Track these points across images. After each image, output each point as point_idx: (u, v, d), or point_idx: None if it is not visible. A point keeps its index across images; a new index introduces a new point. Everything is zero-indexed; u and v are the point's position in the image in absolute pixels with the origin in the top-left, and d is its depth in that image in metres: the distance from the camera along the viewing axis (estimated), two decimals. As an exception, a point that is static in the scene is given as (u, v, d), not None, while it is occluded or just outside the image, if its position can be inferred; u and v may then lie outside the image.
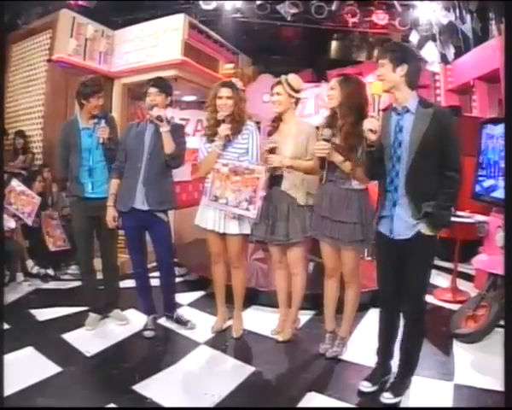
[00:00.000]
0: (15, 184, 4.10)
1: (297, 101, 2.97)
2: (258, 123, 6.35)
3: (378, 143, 2.16)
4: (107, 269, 3.34)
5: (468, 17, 5.45)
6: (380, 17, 6.27)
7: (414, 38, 6.06)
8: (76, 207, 3.23)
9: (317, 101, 6.21)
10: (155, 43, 5.53)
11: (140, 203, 2.99)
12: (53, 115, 5.10)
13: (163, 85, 3.10)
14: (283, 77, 2.94)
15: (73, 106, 5.36)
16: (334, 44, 7.99)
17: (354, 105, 2.56)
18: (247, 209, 2.80)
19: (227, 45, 6.73)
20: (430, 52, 5.82)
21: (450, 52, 5.86)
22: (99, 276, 3.37)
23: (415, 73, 2.18)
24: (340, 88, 2.60)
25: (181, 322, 3.28)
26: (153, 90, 3.04)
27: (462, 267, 4.37)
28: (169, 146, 2.97)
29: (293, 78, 2.94)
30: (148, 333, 3.14)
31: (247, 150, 2.95)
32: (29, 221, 4.10)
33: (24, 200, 4.07)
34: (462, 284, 4.10)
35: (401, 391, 2.31)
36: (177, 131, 3.08)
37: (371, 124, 2.13)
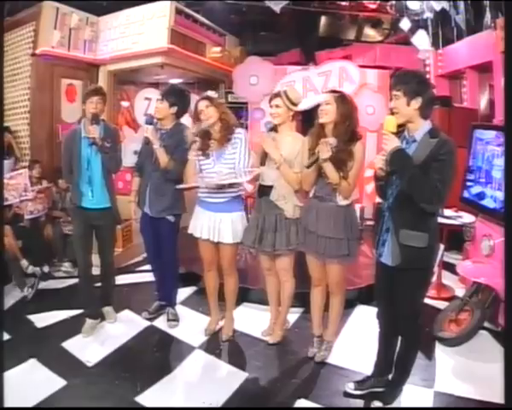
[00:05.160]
0: None
1: (294, 114, 2.96)
2: (245, 104, 6.38)
3: (386, 177, 2.22)
4: (104, 267, 3.45)
5: (461, 6, 5.37)
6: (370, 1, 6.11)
7: (405, 24, 5.96)
8: (76, 214, 3.32)
9: (304, 84, 6.19)
10: (141, 30, 5.44)
11: (148, 209, 3.31)
12: (39, 110, 5.05)
13: (168, 96, 3.22)
14: (282, 89, 2.98)
15: (59, 100, 5.34)
16: (323, 21, 7.84)
17: (348, 125, 2.60)
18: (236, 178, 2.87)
19: (214, 27, 6.61)
20: (421, 40, 5.75)
21: (442, 39, 5.80)
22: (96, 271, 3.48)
23: (428, 105, 2.17)
24: (336, 105, 2.60)
25: (175, 319, 3.46)
26: (159, 97, 3.29)
27: (447, 257, 4.48)
28: (162, 161, 3.11)
29: (291, 90, 2.97)
30: (145, 314, 3.53)
31: (236, 160, 2.94)
32: (30, 196, 4.12)
33: (13, 183, 4.01)
34: (447, 277, 4.21)
35: (391, 400, 2.44)
36: (182, 141, 3.14)
37: (381, 163, 2.18)
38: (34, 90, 5.11)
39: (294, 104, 2.92)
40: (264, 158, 2.94)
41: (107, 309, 3.50)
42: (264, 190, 2.96)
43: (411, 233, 2.16)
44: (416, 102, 2.12)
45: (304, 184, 2.80)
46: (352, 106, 2.66)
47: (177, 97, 3.23)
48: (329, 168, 2.56)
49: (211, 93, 3.04)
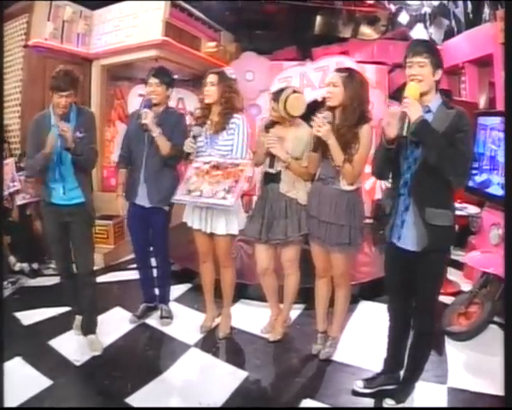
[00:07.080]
0: None
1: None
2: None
3: (397, 142, 2.06)
4: (81, 276, 2.91)
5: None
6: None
7: (404, 18, 5.89)
8: (47, 213, 2.89)
9: (301, 79, 6.09)
10: (135, 23, 5.29)
11: (142, 200, 3.06)
12: (31, 103, 4.87)
13: (164, 76, 3.04)
14: (283, 96, 2.69)
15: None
16: (319, 19, 7.76)
17: (356, 108, 2.42)
18: (224, 198, 2.62)
19: (209, 22, 6.50)
20: (419, 34, 5.68)
21: (440, 33, 5.73)
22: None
23: (440, 79, 2.10)
24: (343, 87, 2.43)
25: (168, 317, 3.29)
26: (153, 80, 3.01)
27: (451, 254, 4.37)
28: (163, 148, 2.94)
29: (294, 99, 2.69)
30: (132, 318, 3.26)
31: (231, 149, 2.80)
32: (17, 186, 4.03)
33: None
34: (452, 273, 4.08)
35: (403, 398, 2.30)
36: (178, 124, 3.01)
37: (401, 129, 2.00)
38: (26, 83, 4.95)
39: (291, 116, 2.72)
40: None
41: (91, 338, 2.89)
42: (271, 178, 2.80)
43: (437, 211, 2.03)
44: (438, 74, 2.04)
45: (309, 167, 2.67)
46: (361, 85, 2.47)
47: (170, 78, 3.09)
48: (334, 145, 2.41)
49: (227, 69, 2.91)
